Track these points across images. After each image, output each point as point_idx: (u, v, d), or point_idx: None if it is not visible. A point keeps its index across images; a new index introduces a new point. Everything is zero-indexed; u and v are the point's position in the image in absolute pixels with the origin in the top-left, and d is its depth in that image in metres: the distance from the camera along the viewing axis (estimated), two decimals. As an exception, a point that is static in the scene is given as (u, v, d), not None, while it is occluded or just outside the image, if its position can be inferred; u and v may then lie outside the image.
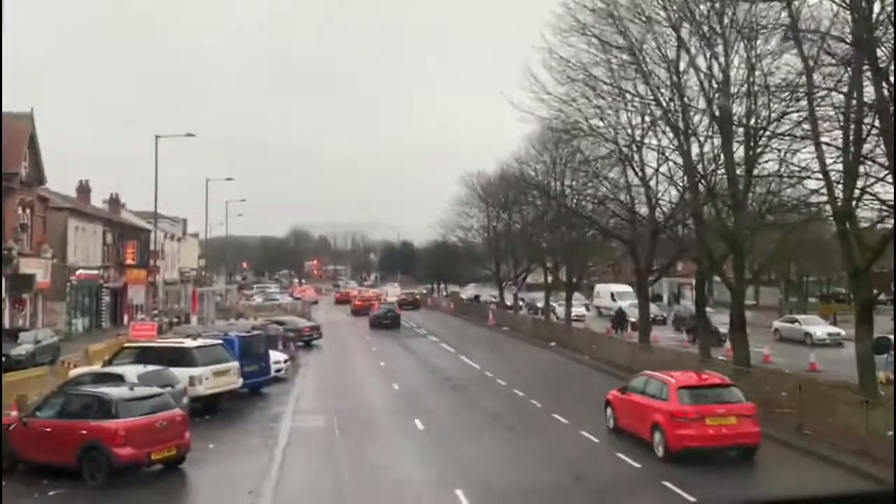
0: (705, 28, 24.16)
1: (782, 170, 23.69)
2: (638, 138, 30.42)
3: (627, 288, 55.52)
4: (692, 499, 12.51)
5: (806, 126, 21.39)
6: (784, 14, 21.15)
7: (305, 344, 38.96)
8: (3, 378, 21.60)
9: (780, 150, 23.45)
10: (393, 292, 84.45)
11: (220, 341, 23.24)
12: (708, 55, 24.74)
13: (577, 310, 50.96)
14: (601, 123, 30.25)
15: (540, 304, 54.90)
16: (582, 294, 61.95)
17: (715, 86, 24.70)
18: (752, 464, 15.13)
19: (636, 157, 31.07)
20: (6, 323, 29.55)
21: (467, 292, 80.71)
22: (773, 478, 14.19)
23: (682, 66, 25.96)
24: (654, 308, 47.76)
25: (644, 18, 25.76)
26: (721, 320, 36.68)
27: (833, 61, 20.09)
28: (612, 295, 57.02)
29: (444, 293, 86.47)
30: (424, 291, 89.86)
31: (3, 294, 25.14)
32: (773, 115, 22.96)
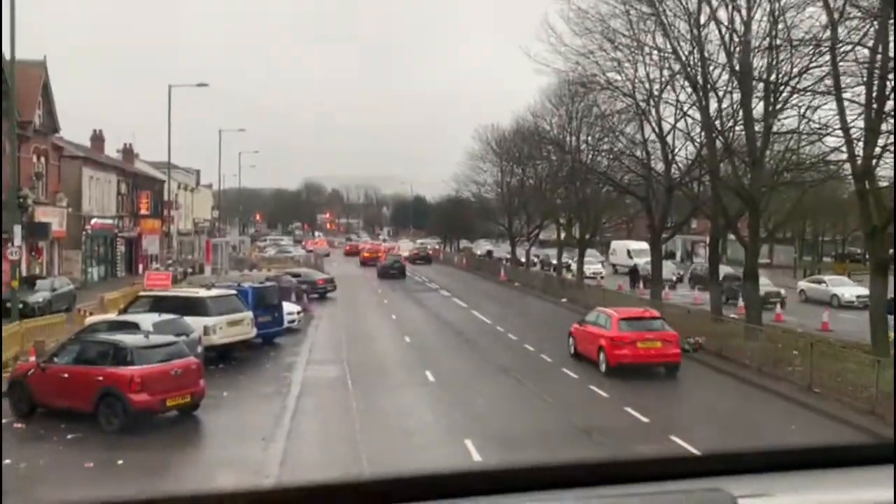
0: (728, -21, 23.54)
1: (802, 126, 23.31)
2: (656, 93, 29.97)
3: (644, 245, 54.87)
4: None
5: (828, 82, 20.96)
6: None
7: (320, 296, 39.27)
8: (22, 324, 21.96)
9: (800, 107, 23.05)
10: (406, 247, 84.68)
11: (234, 292, 23.43)
12: (730, 7, 24.17)
13: (594, 267, 50.39)
14: (618, 77, 29.80)
15: (554, 261, 54.67)
16: (597, 251, 61.81)
17: (736, 39, 24.17)
18: (754, 415, 15.24)
19: (653, 112, 30.67)
20: (23, 270, 29.89)
21: (480, 248, 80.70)
22: (779, 432, 14.29)
23: (702, 18, 25.39)
24: (670, 266, 47.70)
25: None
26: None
27: (859, 14, 19.57)
28: (629, 252, 56.56)
29: (457, 248, 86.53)
30: (437, 246, 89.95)
31: (19, 242, 25.35)
32: (795, 70, 22.50)
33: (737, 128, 25.82)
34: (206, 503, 1.18)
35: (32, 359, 17.73)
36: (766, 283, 35.92)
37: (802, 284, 41.09)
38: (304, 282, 37.89)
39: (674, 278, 45.71)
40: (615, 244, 62.64)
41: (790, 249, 63.65)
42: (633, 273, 43.92)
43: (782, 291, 35.79)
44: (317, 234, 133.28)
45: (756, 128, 24.22)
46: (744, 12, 23.64)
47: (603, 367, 19.39)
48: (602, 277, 49.09)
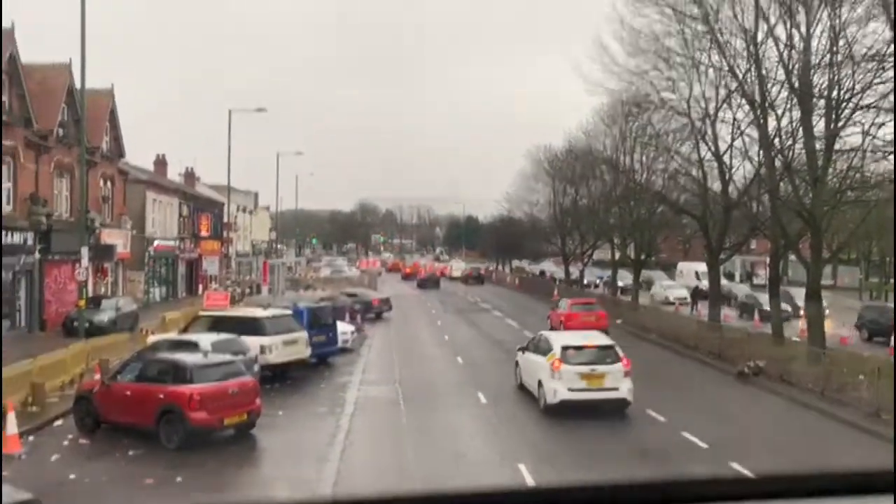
0: (786, -5, 23.12)
1: (866, 144, 22.64)
2: (712, 112, 29.50)
3: (702, 266, 53.39)
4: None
5: (893, 98, 20.34)
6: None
7: (376, 316, 39.61)
8: (87, 343, 22.72)
9: (863, 124, 22.39)
10: (457, 267, 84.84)
11: (289, 312, 23.82)
12: (788, 24, 23.70)
13: (677, 292, 47.39)
14: (673, 96, 29.46)
15: (622, 283, 52.37)
16: (663, 273, 60.38)
17: (795, 56, 23.68)
18: (812, 448, 14.72)
19: (709, 131, 30.19)
20: (90, 291, 30.95)
21: (537, 267, 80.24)
22: (843, 459, 13.76)
23: (759, 35, 24.97)
24: (742, 288, 46.05)
25: (721, -14, 24.81)
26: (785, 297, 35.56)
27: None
28: (697, 274, 53.45)
29: (510, 268, 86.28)
30: (490, 267, 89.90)
31: (87, 263, 26.30)
32: (858, 87, 21.90)
33: (797, 146, 25.22)
34: None
35: (97, 376, 18.31)
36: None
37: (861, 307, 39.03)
38: (359, 302, 38.29)
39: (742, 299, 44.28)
40: (682, 266, 59.30)
41: (855, 270, 61.52)
42: (694, 294, 43.05)
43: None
44: (369, 253, 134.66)
45: (817, 145, 23.62)
46: (803, 28, 23.17)
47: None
48: (687, 303, 44.16)
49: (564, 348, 17.62)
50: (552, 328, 30.84)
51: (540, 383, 17.79)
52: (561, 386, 17.02)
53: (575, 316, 31.89)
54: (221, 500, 11.80)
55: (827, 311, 37.16)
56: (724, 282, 42.19)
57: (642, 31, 27.21)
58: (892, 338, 29.10)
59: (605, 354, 17.61)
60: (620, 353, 17.64)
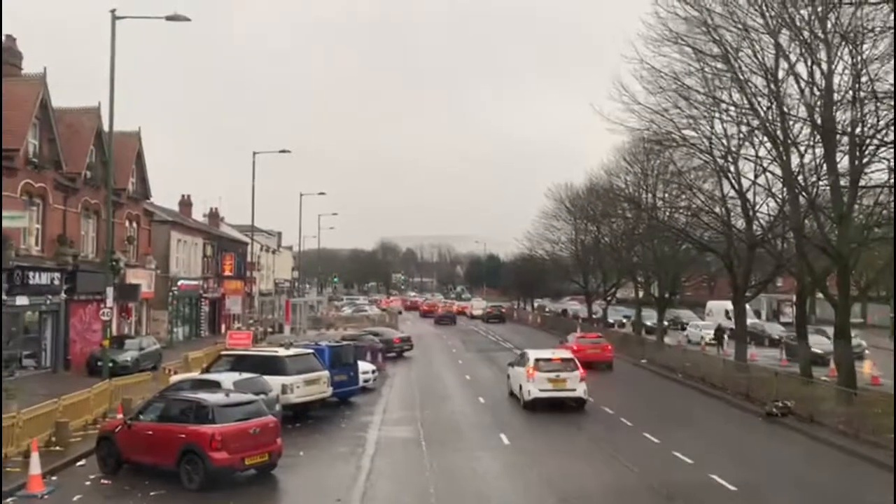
0: (806, 34, 23.11)
1: (891, 180, 22.38)
2: (734, 149, 29.41)
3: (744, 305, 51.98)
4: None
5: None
6: (893, 16, 20.02)
7: (397, 355, 39.48)
8: (111, 382, 22.81)
9: (888, 160, 22.15)
10: (478, 306, 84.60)
11: (311, 351, 23.80)
12: (809, 62, 23.68)
13: (710, 333, 44.54)
14: (694, 134, 29.39)
15: (648, 322, 51.45)
16: (682, 310, 59.59)
17: (817, 93, 23.61)
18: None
19: (732, 168, 30.08)
20: (114, 330, 31.20)
21: (559, 306, 79.67)
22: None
23: (780, 73, 24.96)
24: (777, 328, 45.32)
25: (740, 26, 24.84)
26: (820, 340, 34.96)
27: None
28: (727, 312, 50.34)
29: (532, 307, 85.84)
30: (512, 304, 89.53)
31: (111, 303, 26.56)
32: (882, 123, 21.72)
33: (821, 182, 24.98)
34: None
35: (120, 415, 18.33)
36: (823, 342, 34.18)
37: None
38: (381, 341, 38.23)
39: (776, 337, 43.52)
40: (711, 304, 57.38)
41: (886, 308, 60.43)
42: (718, 333, 42.49)
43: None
44: (391, 292, 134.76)
45: (842, 182, 23.39)
46: (824, 66, 23.13)
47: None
48: (713, 343, 41.98)
49: (537, 360, 23.77)
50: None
51: (520, 387, 24.14)
52: (534, 388, 23.25)
53: (582, 348, 34.49)
54: None
55: (867, 351, 36.43)
56: (753, 320, 41.55)
57: (662, 70, 27.31)
58: None
59: (566, 365, 23.65)
60: (578, 365, 23.89)
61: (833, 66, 22.99)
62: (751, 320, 43.96)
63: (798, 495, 14.36)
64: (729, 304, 52.18)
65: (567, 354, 25.21)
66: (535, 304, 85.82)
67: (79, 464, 16.36)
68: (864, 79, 21.86)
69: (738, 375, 27.06)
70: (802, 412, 21.17)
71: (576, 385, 23.18)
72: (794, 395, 22.52)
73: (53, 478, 15.02)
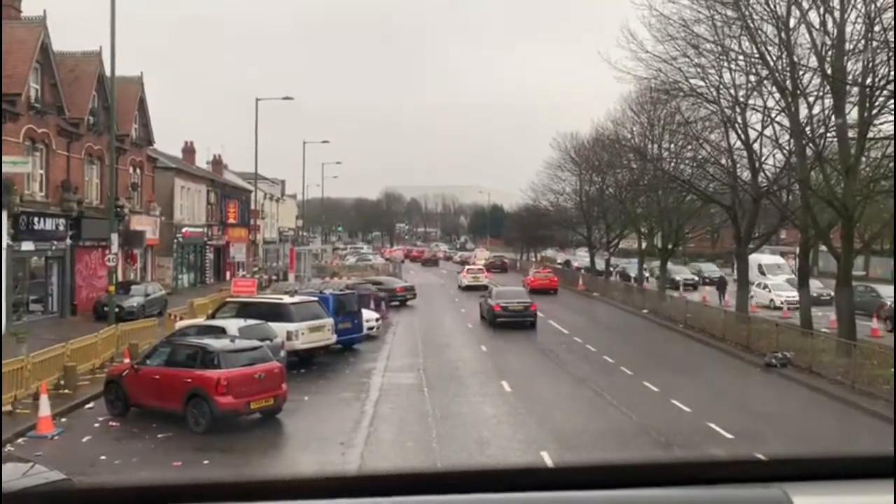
0: (820, -20, 22.63)
1: (900, 132, 22.12)
2: (741, 99, 29.04)
3: (779, 259, 49.91)
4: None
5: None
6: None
7: (400, 304, 39.78)
8: (117, 328, 23.10)
9: (899, 111, 21.87)
10: (482, 256, 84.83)
11: (315, 299, 24.00)
12: (821, 10, 23.21)
13: (787, 294, 36.24)
14: (702, 84, 28.99)
15: (678, 277, 50.67)
16: (699, 264, 58.98)
17: (828, 42, 23.21)
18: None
19: (739, 118, 29.73)
20: (119, 276, 31.46)
21: (565, 257, 79.84)
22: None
23: (792, 21, 24.48)
24: (818, 284, 44.08)
25: (752, -29, 24.33)
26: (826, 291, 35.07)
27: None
28: (761, 267, 46.09)
29: (536, 258, 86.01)
30: (514, 256, 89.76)
31: (116, 249, 26.71)
32: (893, 74, 21.40)
33: (829, 134, 24.74)
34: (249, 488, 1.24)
35: (127, 360, 18.62)
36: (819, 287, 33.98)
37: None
38: (384, 290, 38.46)
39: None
40: (750, 258, 53.77)
41: (889, 261, 60.43)
42: (720, 284, 42.57)
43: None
44: (394, 243, 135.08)
45: (850, 134, 23.17)
46: (836, 14, 22.69)
47: None
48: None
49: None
50: (525, 285, 44.61)
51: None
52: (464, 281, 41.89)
53: (535, 279, 49.04)
54: (250, 476, 11.97)
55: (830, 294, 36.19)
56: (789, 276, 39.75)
57: (671, 17, 26.82)
58: None
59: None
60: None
61: (846, 15, 22.56)
62: (785, 276, 42.38)
63: (792, 442, 14.62)
64: (763, 258, 46.06)
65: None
66: (539, 256, 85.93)
67: (87, 406, 16.68)
68: (877, 28, 21.48)
69: (739, 326, 27.27)
70: (801, 363, 21.39)
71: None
72: (794, 347, 22.74)
73: (63, 419, 15.35)
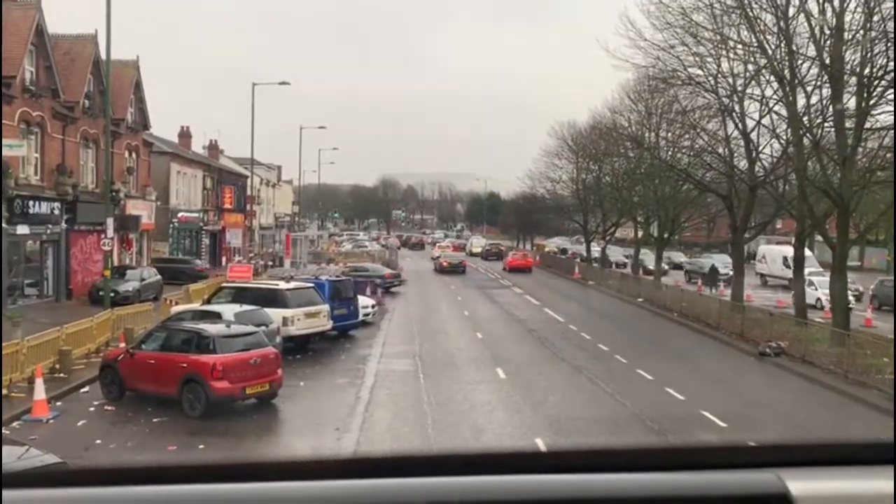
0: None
1: (897, 123, 22.12)
2: (739, 88, 29.01)
3: (807, 252, 46.40)
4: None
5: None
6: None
7: (386, 290, 39.77)
8: (113, 312, 23.08)
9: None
10: (478, 243, 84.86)
11: (311, 285, 24.00)
12: (821, -1, 23.16)
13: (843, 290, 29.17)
14: (700, 72, 28.96)
15: (685, 264, 51.68)
16: (711, 254, 59.09)
17: (827, 32, 23.17)
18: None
19: (737, 108, 29.72)
20: (115, 261, 31.38)
21: (560, 245, 79.93)
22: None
23: (790, 10, 24.43)
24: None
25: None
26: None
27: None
28: (786, 260, 40.93)
29: (532, 246, 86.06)
30: (510, 243, 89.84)
31: (112, 233, 26.64)
32: (892, 65, 21.38)
33: (826, 124, 24.74)
34: (242, 470, 1.25)
35: (122, 345, 18.62)
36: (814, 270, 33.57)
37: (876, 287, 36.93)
38: (372, 276, 38.42)
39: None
40: (765, 249, 48.49)
41: (883, 251, 60.62)
42: (713, 273, 42.73)
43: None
44: (390, 230, 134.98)
45: (847, 124, 23.17)
46: (836, 3, 22.63)
47: None
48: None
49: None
50: (505, 266, 57.82)
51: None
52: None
53: (513, 260, 59.14)
54: (244, 457, 12.00)
55: (860, 290, 36.09)
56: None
57: (670, 5, 26.73)
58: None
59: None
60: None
61: (845, 4, 22.51)
62: (813, 268, 39.62)
63: (785, 430, 14.71)
64: (788, 249, 39.68)
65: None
66: (535, 244, 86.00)
67: (82, 391, 16.69)
68: (875, 17, 21.44)
69: (734, 316, 27.36)
70: (795, 352, 21.49)
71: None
72: (788, 336, 22.84)
73: (58, 403, 15.36)
